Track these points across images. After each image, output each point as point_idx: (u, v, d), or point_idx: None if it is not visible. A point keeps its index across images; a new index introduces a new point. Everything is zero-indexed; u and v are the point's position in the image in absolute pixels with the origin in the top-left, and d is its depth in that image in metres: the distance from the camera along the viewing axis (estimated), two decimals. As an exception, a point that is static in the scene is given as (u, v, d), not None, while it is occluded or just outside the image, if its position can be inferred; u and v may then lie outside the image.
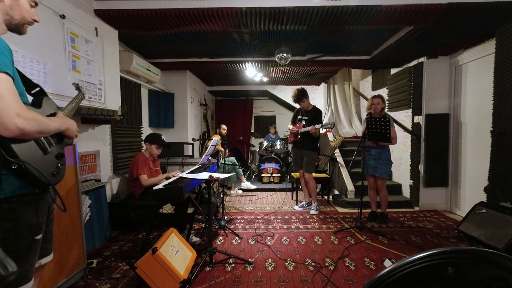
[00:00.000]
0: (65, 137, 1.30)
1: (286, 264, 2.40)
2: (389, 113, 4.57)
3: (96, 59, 2.63)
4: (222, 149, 4.39)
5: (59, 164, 1.23)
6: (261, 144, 6.67)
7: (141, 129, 4.15)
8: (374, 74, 5.51)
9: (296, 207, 4.11)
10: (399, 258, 2.47)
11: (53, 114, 1.27)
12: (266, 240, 2.93)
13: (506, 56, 2.75)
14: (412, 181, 4.16)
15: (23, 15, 1.13)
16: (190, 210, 3.04)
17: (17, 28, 1.15)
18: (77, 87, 1.64)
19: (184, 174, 2.62)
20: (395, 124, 3.54)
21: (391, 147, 3.31)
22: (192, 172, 2.81)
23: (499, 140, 2.85)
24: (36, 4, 1.20)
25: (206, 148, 4.21)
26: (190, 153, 4.75)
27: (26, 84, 1.26)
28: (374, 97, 3.30)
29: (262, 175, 5.71)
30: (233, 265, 2.38)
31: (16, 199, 1.05)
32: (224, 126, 5.11)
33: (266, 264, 2.40)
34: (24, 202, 1.08)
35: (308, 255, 2.56)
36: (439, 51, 3.73)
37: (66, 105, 1.52)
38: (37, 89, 1.32)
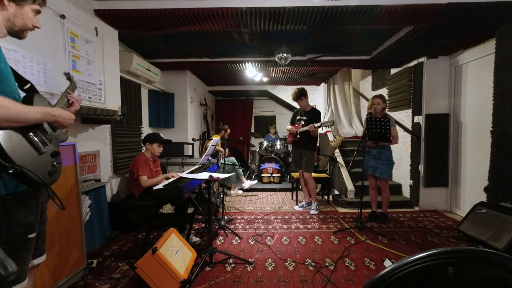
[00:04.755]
0: (57, 128, 1.27)
1: (286, 264, 2.40)
2: (389, 113, 4.56)
3: (96, 59, 2.62)
4: (221, 149, 4.39)
5: (55, 163, 1.23)
6: (261, 144, 6.67)
7: (141, 129, 4.15)
8: (374, 74, 5.51)
9: (296, 207, 4.11)
10: (399, 258, 2.47)
11: None
12: (266, 240, 2.93)
13: (506, 56, 2.75)
14: (412, 181, 4.16)
15: (25, 23, 1.15)
16: (190, 210, 3.04)
17: (17, 33, 1.16)
18: (68, 77, 1.60)
19: (184, 174, 2.62)
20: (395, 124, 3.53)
21: (391, 147, 3.31)
22: (192, 172, 2.81)
23: (499, 140, 2.85)
24: (39, 12, 1.20)
25: (206, 148, 4.21)
26: (190, 153, 4.76)
27: (19, 81, 1.25)
28: (375, 97, 3.29)
29: (262, 175, 5.71)
30: (233, 265, 2.38)
31: (9, 198, 1.06)
32: (228, 131, 5.08)
33: (266, 264, 2.40)
34: (18, 200, 1.09)
35: (308, 255, 2.56)
36: (439, 51, 3.73)
37: (58, 99, 1.43)
38: (28, 85, 1.31)
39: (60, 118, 1.22)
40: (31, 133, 1.13)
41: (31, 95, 1.23)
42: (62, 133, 1.36)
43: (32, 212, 1.15)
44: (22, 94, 1.25)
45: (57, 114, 1.20)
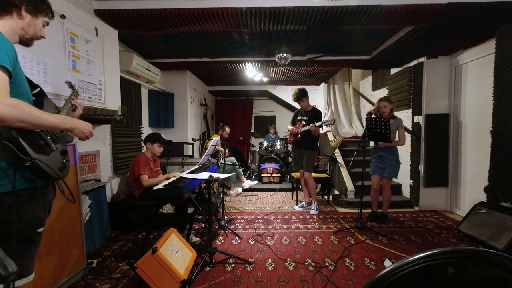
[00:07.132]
0: (74, 136, 1.34)
1: (286, 264, 2.40)
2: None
3: (96, 59, 2.62)
4: (221, 149, 4.39)
5: (64, 160, 1.31)
6: (261, 144, 6.66)
7: (141, 129, 4.15)
8: (374, 74, 5.51)
9: (296, 207, 4.11)
10: (399, 258, 2.47)
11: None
12: (266, 240, 2.93)
13: (506, 56, 2.75)
14: (412, 181, 4.16)
15: (36, 32, 1.25)
16: (190, 210, 3.04)
17: (27, 41, 1.25)
18: (70, 86, 1.64)
19: (184, 174, 2.62)
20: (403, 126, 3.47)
21: (397, 147, 3.31)
22: (192, 172, 2.81)
23: (499, 140, 2.85)
24: (48, 24, 1.30)
25: (206, 148, 4.21)
26: (190, 153, 4.75)
27: (29, 85, 1.29)
28: (380, 100, 3.28)
29: (262, 175, 5.71)
30: (233, 265, 2.38)
31: (21, 193, 1.12)
32: (227, 130, 5.06)
33: (266, 264, 2.40)
34: (28, 196, 1.15)
35: (308, 255, 2.56)
36: (439, 51, 3.73)
37: (64, 104, 1.54)
38: (37, 89, 1.37)
39: (78, 130, 1.29)
40: (42, 132, 1.21)
41: (40, 99, 1.32)
42: (68, 134, 1.43)
43: (41, 207, 1.21)
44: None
45: (79, 126, 1.29)
